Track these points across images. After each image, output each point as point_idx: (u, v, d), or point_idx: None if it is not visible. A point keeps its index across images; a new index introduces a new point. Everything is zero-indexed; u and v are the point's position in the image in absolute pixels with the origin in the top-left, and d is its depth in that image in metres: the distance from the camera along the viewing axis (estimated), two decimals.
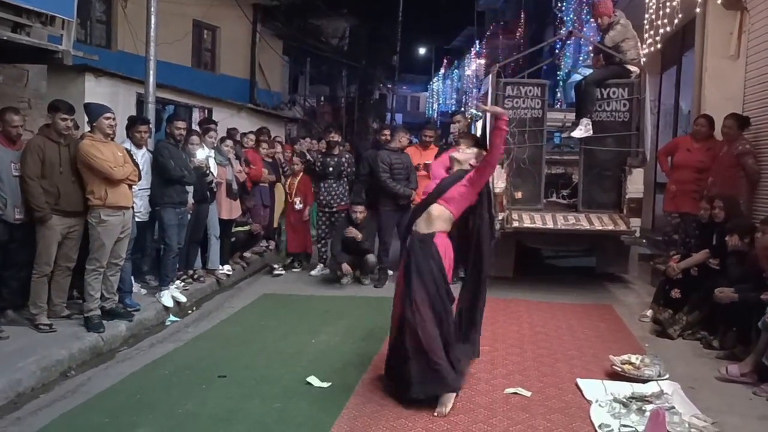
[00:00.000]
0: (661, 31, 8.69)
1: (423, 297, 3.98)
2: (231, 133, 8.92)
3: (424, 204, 4.21)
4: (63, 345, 4.81)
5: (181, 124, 6.70)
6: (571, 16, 15.68)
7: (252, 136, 8.83)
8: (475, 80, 32.37)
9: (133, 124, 6.38)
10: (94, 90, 9.29)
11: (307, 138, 11.67)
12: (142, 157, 6.20)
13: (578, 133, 7.30)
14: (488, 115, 7.54)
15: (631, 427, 3.74)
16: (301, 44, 19.88)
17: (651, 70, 8.71)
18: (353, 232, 7.53)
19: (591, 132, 7.26)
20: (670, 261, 6.09)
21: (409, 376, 3.96)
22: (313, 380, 4.42)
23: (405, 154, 7.85)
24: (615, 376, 4.57)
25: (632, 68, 7.42)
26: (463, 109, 24.28)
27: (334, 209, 8.22)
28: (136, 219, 6.03)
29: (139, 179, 5.73)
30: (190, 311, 6.45)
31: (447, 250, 4.12)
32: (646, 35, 9.03)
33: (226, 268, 7.63)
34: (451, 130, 8.42)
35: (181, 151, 6.56)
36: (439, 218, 4.11)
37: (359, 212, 7.63)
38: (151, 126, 6.79)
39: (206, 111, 13.03)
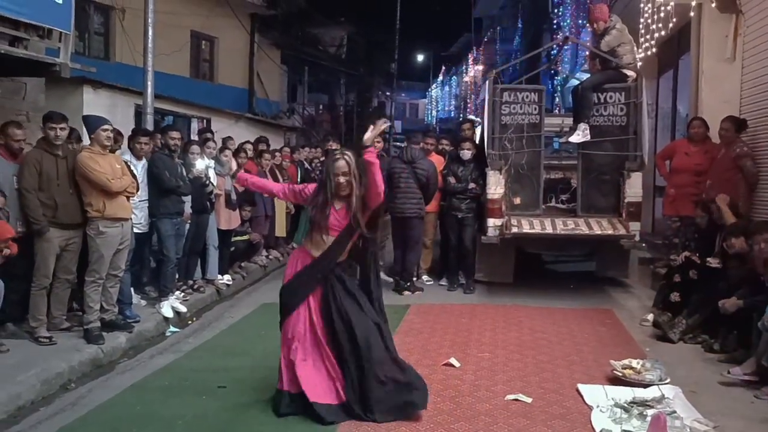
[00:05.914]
0: (657, 35, 8.71)
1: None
2: (226, 143, 8.83)
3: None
4: (63, 357, 4.80)
5: (175, 134, 6.72)
6: (568, 21, 15.74)
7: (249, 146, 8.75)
8: (473, 86, 32.51)
9: (134, 135, 6.42)
10: (93, 102, 9.34)
11: (306, 147, 11.64)
12: (142, 168, 6.23)
13: (576, 138, 7.31)
14: (485, 122, 7.58)
15: None
16: (299, 53, 19.95)
17: (648, 73, 8.73)
18: None
19: (588, 137, 7.26)
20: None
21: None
22: None
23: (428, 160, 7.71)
24: (616, 381, 4.55)
25: (629, 72, 7.45)
26: (471, 116, 24.27)
27: None
28: (136, 230, 6.03)
29: (138, 191, 5.75)
30: (190, 322, 6.44)
31: None
32: (642, 39, 9.04)
33: (226, 278, 7.62)
34: (465, 134, 8.37)
35: (176, 161, 6.57)
36: None
37: None
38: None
39: (205, 121, 13.08)
